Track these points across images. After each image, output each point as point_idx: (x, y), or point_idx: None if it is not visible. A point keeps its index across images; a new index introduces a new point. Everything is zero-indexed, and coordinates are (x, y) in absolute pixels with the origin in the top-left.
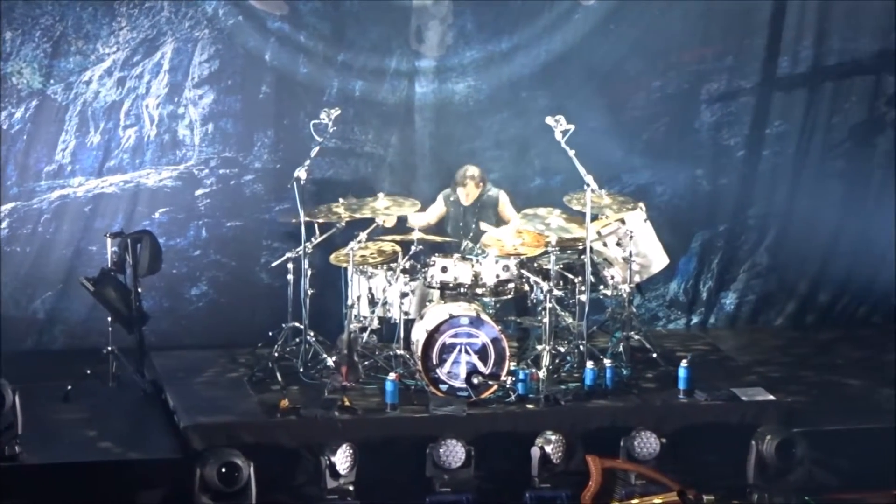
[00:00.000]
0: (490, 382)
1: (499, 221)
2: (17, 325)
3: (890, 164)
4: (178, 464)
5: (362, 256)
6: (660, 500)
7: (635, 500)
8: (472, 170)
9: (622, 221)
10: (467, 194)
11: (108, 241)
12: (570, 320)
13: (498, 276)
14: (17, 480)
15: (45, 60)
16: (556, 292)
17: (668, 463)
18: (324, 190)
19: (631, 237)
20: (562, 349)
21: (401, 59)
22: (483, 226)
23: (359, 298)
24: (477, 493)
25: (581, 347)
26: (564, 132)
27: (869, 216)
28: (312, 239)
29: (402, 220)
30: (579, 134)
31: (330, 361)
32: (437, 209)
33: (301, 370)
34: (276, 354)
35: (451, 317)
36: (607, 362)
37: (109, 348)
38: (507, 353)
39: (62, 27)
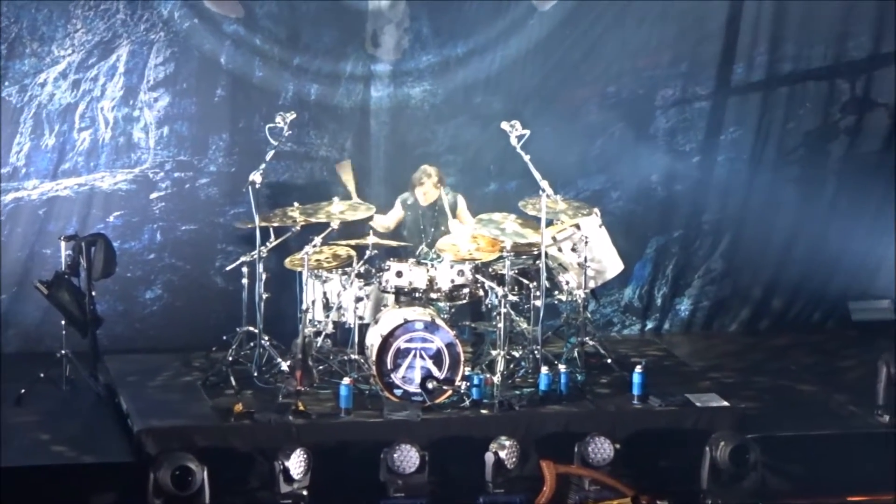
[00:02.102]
0: (444, 387)
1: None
2: None
3: (843, 171)
4: (131, 468)
5: (317, 261)
6: None
7: None
8: (430, 169)
9: (577, 227)
10: (425, 193)
11: (63, 244)
12: (524, 325)
13: (453, 281)
14: None
15: None
16: (511, 297)
17: (621, 468)
18: (279, 194)
19: (586, 243)
20: (516, 354)
21: (356, 62)
22: (451, 224)
23: (313, 303)
24: (431, 498)
25: (536, 353)
26: (520, 137)
27: (823, 222)
28: (267, 243)
29: (361, 223)
30: (534, 139)
31: (284, 366)
32: (396, 213)
33: (255, 374)
34: (231, 358)
35: (406, 321)
36: (562, 368)
37: (63, 352)
38: (462, 358)
39: (17, 29)
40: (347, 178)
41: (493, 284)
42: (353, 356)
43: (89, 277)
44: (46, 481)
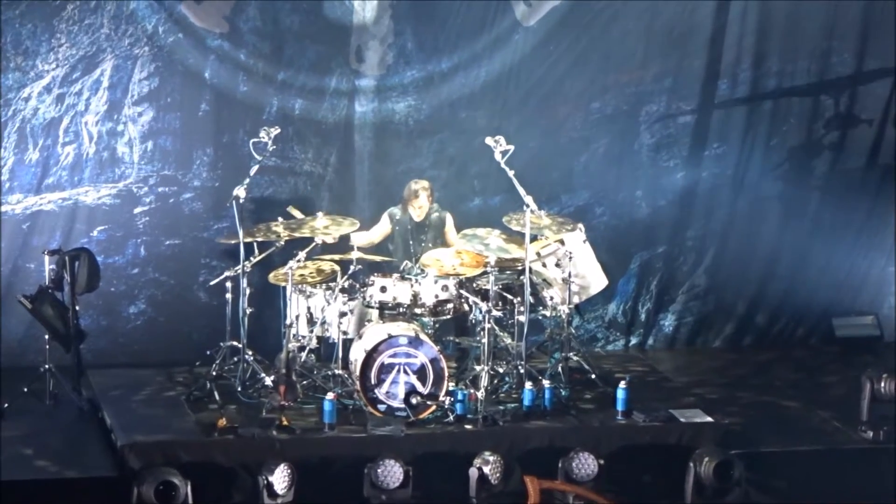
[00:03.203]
0: (428, 402)
1: (443, 244)
2: None
3: (827, 186)
4: (115, 482)
5: (301, 276)
6: None
7: None
8: (423, 182)
9: (561, 242)
10: (420, 206)
11: (46, 258)
12: (508, 341)
13: (437, 297)
14: None
15: None
16: (495, 313)
17: (605, 484)
18: (263, 208)
19: (570, 258)
20: (500, 370)
21: (341, 78)
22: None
23: (297, 318)
24: None
25: (520, 368)
26: (504, 153)
27: (807, 238)
28: (251, 258)
29: (344, 239)
30: (519, 154)
31: (268, 381)
32: (382, 228)
33: (239, 389)
34: (214, 373)
35: (390, 336)
36: (546, 383)
37: (47, 366)
38: (446, 374)
39: (0, 43)
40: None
41: (478, 300)
42: (336, 371)
43: (73, 292)
44: (30, 496)
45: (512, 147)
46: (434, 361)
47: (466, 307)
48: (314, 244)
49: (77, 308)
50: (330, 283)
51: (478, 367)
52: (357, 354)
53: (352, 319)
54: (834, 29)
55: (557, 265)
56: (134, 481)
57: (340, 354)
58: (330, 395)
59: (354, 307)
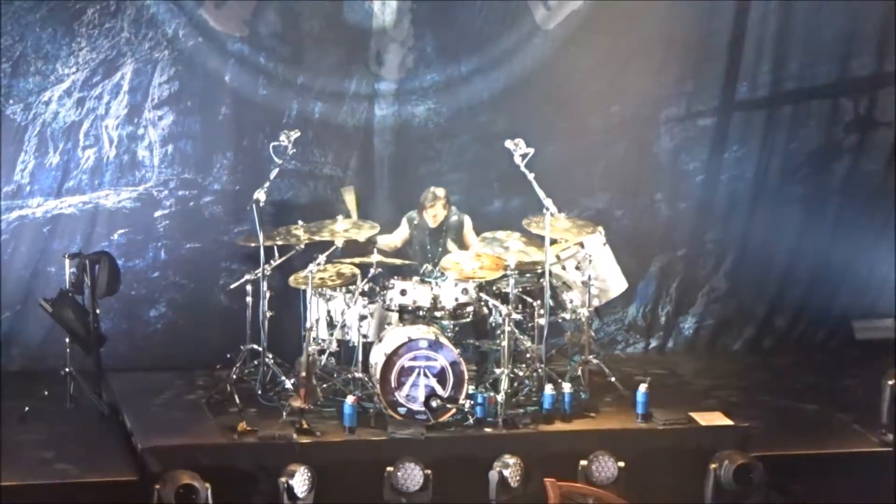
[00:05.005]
0: (448, 406)
1: (461, 246)
2: None
3: (847, 190)
4: (135, 486)
5: (321, 279)
6: None
7: None
8: (439, 191)
9: (581, 245)
10: (435, 216)
11: (67, 262)
12: (528, 344)
13: (457, 300)
14: None
15: (3, 80)
16: (515, 316)
17: (625, 487)
18: (283, 212)
19: (590, 261)
20: (520, 373)
21: (360, 81)
22: (450, 245)
23: (317, 321)
24: None
25: (539, 371)
26: (524, 156)
27: (826, 241)
28: (271, 261)
29: (371, 241)
30: (538, 157)
31: (288, 384)
32: (402, 233)
33: (259, 392)
34: (235, 377)
35: (410, 340)
36: (566, 386)
37: (67, 370)
38: (466, 377)
39: (21, 47)
40: (350, 202)
41: (497, 303)
42: (356, 374)
43: (93, 295)
44: (50, 499)
45: (532, 150)
46: (454, 365)
47: (486, 310)
48: (334, 247)
49: (97, 311)
50: (350, 287)
51: (497, 371)
52: (377, 358)
53: (372, 323)
54: (853, 32)
55: (577, 268)
56: (154, 485)
57: (360, 358)
58: (350, 399)
59: (374, 310)
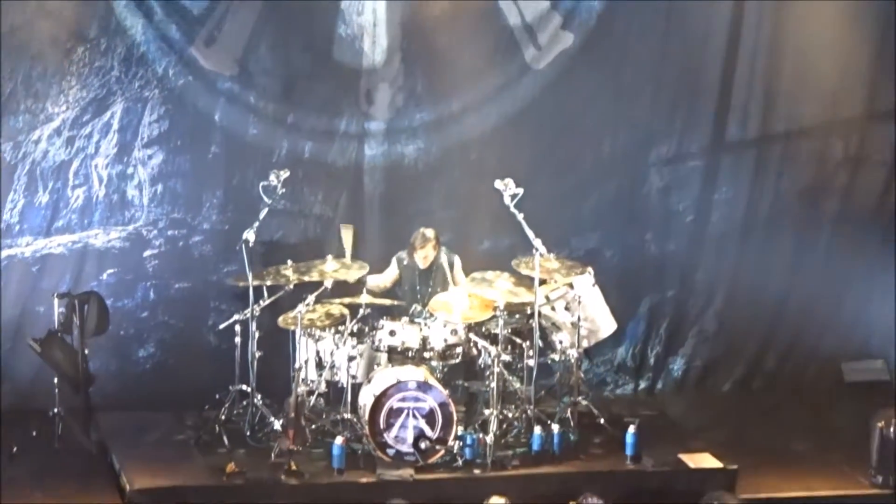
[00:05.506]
0: (437, 447)
1: (451, 287)
2: None
3: (837, 229)
4: None
5: (310, 319)
6: None
7: None
8: (429, 232)
9: (570, 286)
10: (425, 257)
11: (56, 301)
12: (517, 385)
13: (446, 341)
14: None
15: None
16: (504, 357)
17: None
18: (272, 252)
19: (579, 302)
20: (509, 414)
21: (350, 120)
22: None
23: (306, 362)
24: None
25: (528, 412)
26: (513, 196)
27: (816, 281)
28: (260, 301)
29: (361, 282)
30: (528, 196)
31: (277, 425)
32: (392, 273)
33: (248, 433)
34: (223, 417)
35: (399, 381)
36: (555, 427)
37: (56, 409)
38: (455, 418)
39: (11, 85)
40: (347, 240)
41: (486, 344)
42: (345, 415)
43: (82, 335)
44: None
45: (521, 190)
46: (443, 406)
47: (475, 351)
48: (323, 288)
49: (86, 351)
50: (339, 327)
51: (487, 412)
52: (366, 398)
53: (361, 363)
54: (843, 70)
55: (567, 309)
56: None
57: (349, 398)
58: (339, 440)
59: (363, 351)
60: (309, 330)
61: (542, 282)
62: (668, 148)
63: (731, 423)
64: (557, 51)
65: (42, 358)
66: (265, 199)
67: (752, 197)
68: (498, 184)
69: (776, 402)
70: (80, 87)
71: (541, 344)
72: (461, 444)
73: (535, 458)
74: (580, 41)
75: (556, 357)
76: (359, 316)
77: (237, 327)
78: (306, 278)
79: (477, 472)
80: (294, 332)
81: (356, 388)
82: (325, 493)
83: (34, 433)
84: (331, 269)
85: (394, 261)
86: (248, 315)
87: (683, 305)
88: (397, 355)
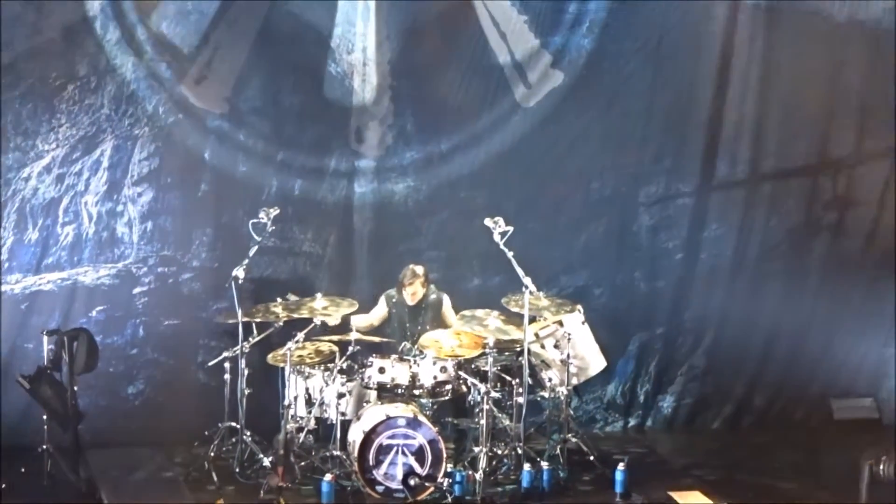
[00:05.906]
0: (427, 484)
1: (440, 325)
2: None
3: (826, 268)
4: None
5: (300, 356)
6: None
7: None
8: (418, 269)
9: (560, 323)
10: (413, 293)
11: (45, 338)
12: (507, 422)
13: (436, 378)
14: None
15: None
16: (494, 394)
17: None
18: (262, 289)
19: (569, 339)
20: (499, 451)
21: (340, 158)
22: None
23: (296, 398)
24: None
25: (518, 449)
26: (503, 234)
27: (805, 319)
28: (250, 338)
29: (345, 323)
30: (518, 234)
31: (266, 461)
32: (380, 311)
33: (237, 470)
34: (213, 454)
35: (389, 418)
36: (544, 465)
37: (45, 446)
38: (444, 455)
39: (1, 123)
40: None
41: (476, 381)
42: (335, 452)
43: (71, 372)
44: None
45: (511, 228)
46: (432, 443)
47: (465, 388)
48: (313, 325)
49: (76, 388)
50: (328, 364)
51: (476, 449)
52: (355, 435)
53: (350, 400)
54: (832, 110)
55: (556, 346)
56: None
57: (339, 435)
58: (328, 477)
59: (353, 388)
60: (298, 367)
61: (532, 319)
62: (657, 187)
63: (720, 460)
64: (547, 89)
65: (31, 395)
66: (255, 236)
67: (741, 235)
68: (488, 221)
69: (765, 440)
70: (70, 125)
71: (530, 381)
72: (450, 481)
73: (524, 495)
74: (570, 79)
75: (546, 394)
76: (348, 353)
77: (226, 364)
78: (295, 316)
79: None
80: (283, 369)
81: (346, 425)
82: None
83: (23, 470)
84: (320, 307)
85: (382, 298)
86: (238, 352)
87: (673, 343)
88: (387, 392)
